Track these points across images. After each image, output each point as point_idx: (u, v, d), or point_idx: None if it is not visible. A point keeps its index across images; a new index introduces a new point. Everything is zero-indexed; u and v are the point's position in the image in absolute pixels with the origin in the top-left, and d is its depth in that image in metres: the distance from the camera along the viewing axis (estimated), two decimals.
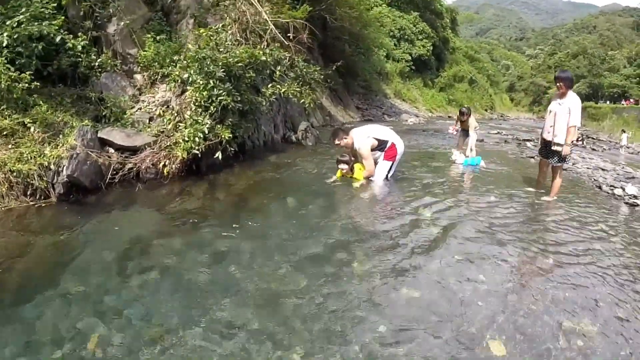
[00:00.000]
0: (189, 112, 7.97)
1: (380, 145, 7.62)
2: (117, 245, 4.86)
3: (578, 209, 6.99)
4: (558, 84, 7.11)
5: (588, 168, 11.52)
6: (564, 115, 6.98)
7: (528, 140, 18.80)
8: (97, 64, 8.54)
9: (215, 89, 7.89)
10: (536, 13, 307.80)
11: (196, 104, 8.00)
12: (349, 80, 28.27)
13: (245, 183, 7.83)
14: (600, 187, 9.07)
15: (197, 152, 7.53)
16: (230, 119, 8.18)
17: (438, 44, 55.16)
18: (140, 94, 9.06)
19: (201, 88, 7.93)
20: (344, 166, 7.70)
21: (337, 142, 7.67)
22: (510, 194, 7.53)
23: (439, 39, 55.25)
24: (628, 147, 25.70)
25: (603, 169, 11.56)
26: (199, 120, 7.72)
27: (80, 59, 8.22)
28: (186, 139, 7.49)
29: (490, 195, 7.42)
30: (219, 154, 7.82)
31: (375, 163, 7.67)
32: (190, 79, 8.06)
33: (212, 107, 7.91)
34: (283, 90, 9.21)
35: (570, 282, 4.39)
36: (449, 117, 40.87)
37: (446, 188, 7.84)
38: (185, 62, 8.43)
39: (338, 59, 16.63)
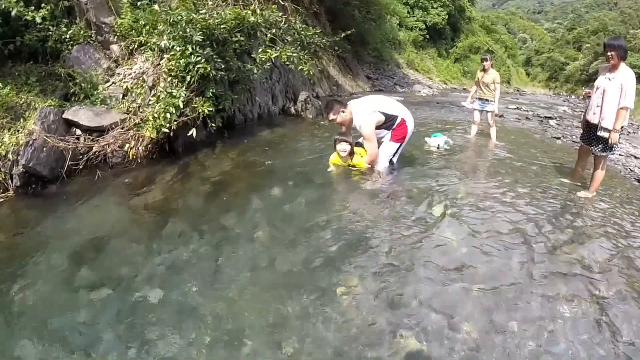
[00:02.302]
0: (162, 84, 6.83)
1: (387, 122, 5.99)
2: (71, 248, 4.29)
3: (622, 210, 5.76)
4: (609, 54, 5.62)
5: (620, 155, 10.25)
6: (615, 92, 5.58)
7: (550, 117, 17.68)
8: (68, 36, 7.61)
9: (192, 56, 6.75)
10: None
11: (171, 74, 6.88)
12: (358, 48, 27.00)
13: (226, 167, 6.65)
14: (639, 181, 7.84)
15: (167, 130, 6.46)
16: (211, 90, 7.05)
17: (454, 12, 53.09)
18: (117, 67, 8.09)
19: (177, 55, 6.83)
20: (345, 147, 5.90)
21: (331, 116, 5.98)
22: (542, 187, 6.22)
23: (454, 8, 53.14)
24: None
25: (636, 157, 10.43)
26: (174, 93, 6.59)
27: (50, 32, 7.38)
28: (156, 115, 6.41)
29: (517, 186, 6.10)
30: (193, 132, 6.72)
31: (380, 144, 6.13)
32: (164, 45, 6.94)
33: (188, 77, 6.77)
34: (274, 55, 7.90)
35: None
36: (464, 89, 39.80)
37: (463, 175, 6.52)
38: (161, 26, 7.28)
39: (347, 26, 15.39)
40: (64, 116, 6.52)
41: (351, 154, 6.01)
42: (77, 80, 7.17)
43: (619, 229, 4.97)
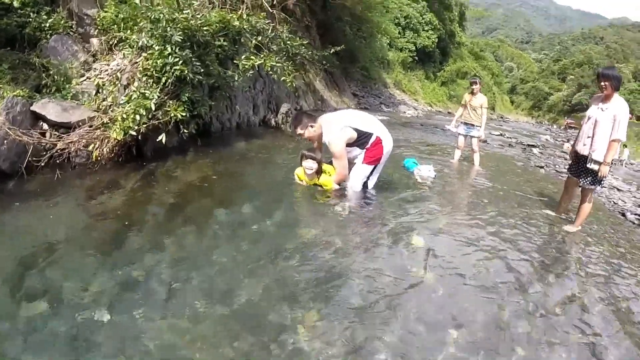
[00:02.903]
0: (136, 84, 6.51)
1: (360, 140, 5.55)
2: (20, 251, 3.88)
3: (608, 247, 5.55)
4: (603, 83, 5.41)
5: (603, 187, 10.06)
6: (607, 124, 5.38)
7: (533, 145, 17.87)
8: (47, 25, 7.24)
9: (170, 57, 6.44)
10: (545, 18, 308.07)
11: (147, 73, 6.55)
12: (347, 65, 27.10)
13: (195, 177, 6.25)
14: (624, 215, 7.74)
15: (134, 133, 6.08)
16: (187, 94, 6.73)
17: (444, 36, 53.69)
18: (94, 61, 7.74)
19: (155, 55, 6.52)
20: (311, 164, 5.54)
21: (298, 130, 5.59)
22: (525, 219, 5.97)
23: (445, 32, 53.79)
24: (631, 164, 24.51)
25: (618, 189, 10.44)
26: (146, 94, 6.26)
27: (29, 19, 7.00)
28: (125, 116, 6.06)
29: (501, 218, 5.84)
30: (163, 137, 6.37)
31: (351, 164, 5.72)
32: (141, 43, 6.63)
33: (164, 78, 6.45)
34: (258, 62, 7.62)
35: None
36: (449, 112, 40.03)
37: (444, 203, 6.22)
38: (142, 23, 6.97)
39: (337, 42, 15.40)
40: (31, 108, 6.14)
41: (318, 172, 5.64)
42: (51, 72, 6.82)
43: (606, 268, 4.81)
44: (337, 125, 5.52)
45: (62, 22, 7.53)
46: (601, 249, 5.40)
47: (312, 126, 5.53)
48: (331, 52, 11.84)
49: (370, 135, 5.57)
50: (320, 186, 5.69)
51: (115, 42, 7.77)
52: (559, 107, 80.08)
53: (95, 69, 7.51)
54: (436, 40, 50.26)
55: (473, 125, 9.43)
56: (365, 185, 5.85)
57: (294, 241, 4.32)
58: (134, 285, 3.43)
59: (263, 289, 3.43)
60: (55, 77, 6.86)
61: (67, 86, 6.90)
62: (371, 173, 5.79)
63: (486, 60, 78.75)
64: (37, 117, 6.22)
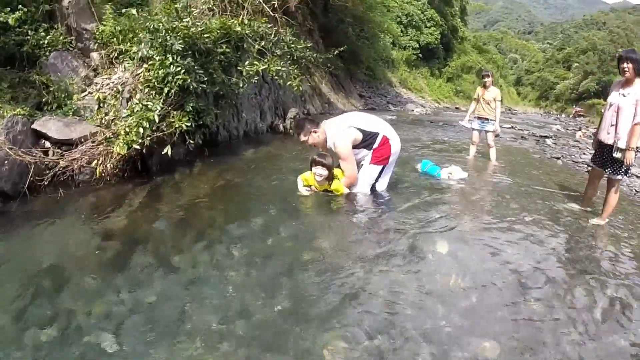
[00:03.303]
0: (138, 96, 6.31)
1: (366, 140, 5.31)
2: (25, 276, 3.70)
3: (639, 241, 5.21)
4: (624, 66, 5.07)
5: (629, 175, 9.71)
6: (630, 109, 5.07)
7: (546, 136, 17.34)
8: (46, 41, 7.13)
9: (172, 66, 6.24)
10: (545, 7, 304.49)
11: (149, 85, 6.36)
12: (351, 66, 26.85)
13: (203, 190, 6.00)
14: None
15: (138, 147, 5.87)
16: (191, 104, 6.53)
17: (446, 32, 53.25)
18: (95, 76, 7.58)
19: (157, 65, 6.33)
20: (322, 172, 5.23)
21: (302, 138, 5.42)
22: (551, 214, 5.67)
23: (447, 28, 53.34)
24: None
25: (638, 176, 9.97)
26: (149, 106, 6.06)
27: (28, 37, 6.89)
28: (128, 129, 5.86)
29: (525, 215, 5.52)
30: (168, 149, 6.15)
31: (359, 166, 5.46)
32: (141, 54, 6.46)
33: (166, 89, 6.25)
34: (262, 67, 7.40)
35: None
36: (457, 108, 39.65)
37: (465, 202, 5.93)
38: (141, 34, 6.78)
39: (340, 43, 15.06)
40: (32, 126, 6.00)
41: (329, 178, 5.34)
42: (51, 89, 6.68)
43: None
44: (341, 127, 5.32)
45: (61, 38, 7.41)
46: (633, 243, 5.09)
47: (315, 132, 5.35)
48: (335, 54, 11.65)
49: (376, 134, 5.35)
50: (331, 192, 5.42)
51: (116, 55, 7.62)
52: (566, 96, 79.12)
53: (96, 83, 7.36)
54: (439, 36, 49.88)
55: (487, 119, 9.16)
56: (374, 188, 5.60)
57: (310, 254, 4.06)
58: (143, 308, 3.22)
59: (281, 307, 3.19)
60: (56, 93, 6.71)
61: (68, 102, 6.74)
62: (380, 174, 5.52)
63: (490, 53, 78.18)
64: (39, 136, 6.07)
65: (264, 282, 3.54)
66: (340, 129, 5.27)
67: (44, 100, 6.56)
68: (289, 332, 2.95)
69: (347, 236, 4.56)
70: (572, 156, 12.16)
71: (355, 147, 5.29)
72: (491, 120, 9.13)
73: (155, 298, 3.31)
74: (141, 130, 5.81)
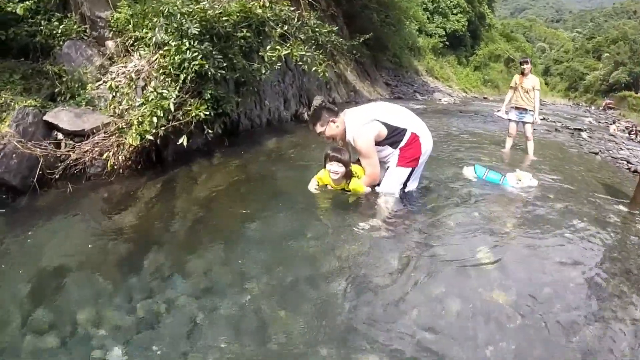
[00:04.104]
0: (153, 84, 5.93)
1: (392, 136, 4.53)
2: (30, 277, 3.51)
3: None
4: None
5: None
6: None
7: (580, 129, 16.49)
8: (59, 31, 6.88)
9: (188, 52, 5.86)
10: None
11: (165, 72, 5.99)
12: (377, 53, 26.33)
13: (222, 183, 5.56)
14: None
15: (152, 137, 5.52)
16: (210, 91, 6.14)
17: (474, 19, 52.13)
18: (111, 64, 7.29)
19: (172, 51, 5.97)
20: (337, 168, 4.45)
21: (318, 128, 4.66)
22: (599, 217, 5.00)
23: (474, 14, 52.22)
24: None
25: None
26: (164, 94, 5.68)
27: (41, 27, 6.68)
28: (141, 119, 5.51)
29: (571, 217, 4.88)
30: (183, 139, 5.77)
31: (383, 167, 4.72)
32: (155, 40, 6.12)
33: (182, 75, 5.87)
34: (284, 52, 6.97)
35: None
36: (485, 98, 38.81)
37: (505, 201, 5.27)
38: (155, 19, 6.43)
39: (365, 30, 14.76)
40: (44, 118, 5.75)
41: (347, 176, 4.57)
42: (64, 79, 6.43)
43: None
44: (363, 119, 4.55)
45: (75, 27, 7.17)
46: None
47: (333, 122, 4.58)
48: (360, 41, 11.22)
49: (404, 131, 4.55)
50: (349, 191, 4.71)
51: (132, 42, 7.33)
52: (595, 87, 76.83)
53: (111, 72, 7.08)
54: (466, 23, 48.92)
55: (526, 109, 8.62)
56: (403, 191, 4.82)
57: (335, 262, 3.57)
58: (152, 317, 2.93)
59: (303, 324, 2.78)
60: (69, 83, 6.47)
61: (81, 92, 6.49)
62: (409, 178, 4.73)
63: (518, 41, 76.55)
64: (51, 127, 5.83)
65: (283, 293, 3.13)
66: (362, 122, 4.52)
67: (57, 90, 6.32)
68: (311, 354, 2.55)
69: (377, 243, 3.96)
70: (610, 151, 11.49)
71: (378, 143, 4.54)
72: (530, 110, 8.60)
73: (165, 307, 3.00)
74: (155, 119, 5.47)
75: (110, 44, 7.45)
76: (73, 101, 6.27)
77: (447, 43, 46.09)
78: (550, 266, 3.72)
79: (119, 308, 3.01)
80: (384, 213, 4.51)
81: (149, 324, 2.85)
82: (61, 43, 6.88)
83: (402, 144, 4.55)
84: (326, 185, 4.77)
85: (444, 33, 45.54)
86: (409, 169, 4.65)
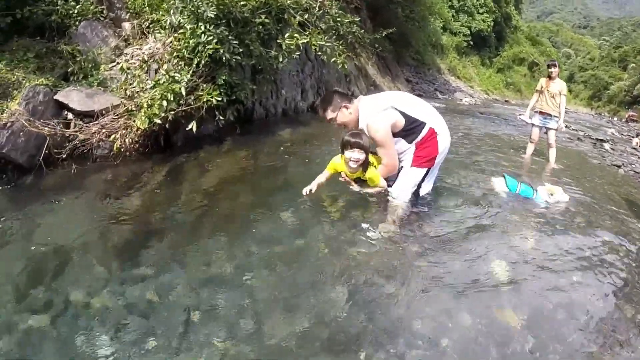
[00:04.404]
0: (165, 67, 5.77)
1: (409, 129, 4.11)
2: (30, 255, 3.46)
3: None
4: None
5: None
6: None
7: (602, 140, 16.00)
8: (76, 11, 6.83)
9: (203, 35, 5.68)
10: (603, 1, 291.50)
11: (179, 55, 5.83)
12: (399, 49, 25.85)
13: (230, 172, 5.36)
14: None
15: (160, 121, 5.34)
16: (224, 77, 5.96)
17: (499, 20, 51.50)
18: (127, 46, 7.19)
19: (187, 34, 5.82)
20: (358, 155, 3.95)
21: (329, 114, 4.24)
22: (621, 236, 4.58)
23: (501, 15, 51.59)
24: None
25: None
26: (176, 77, 5.53)
27: (57, 7, 6.62)
28: (150, 102, 5.35)
29: (594, 233, 4.55)
30: (193, 125, 5.59)
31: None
32: (170, 22, 5.97)
33: (196, 59, 5.69)
34: (303, 41, 6.76)
35: None
36: (506, 101, 38.28)
37: (526, 214, 4.76)
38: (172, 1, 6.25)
39: (389, 24, 14.42)
40: (55, 97, 5.66)
41: (365, 165, 4.10)
42: (78, 59, 6.35)
43: None
44: (379, 105, 4.14)
45: (92, 7, 7.13)
46: None
47: (346, 107, 4.17)
48: (383, 35, 11.00)
49: (422, 124, 4.12)
50: (364, 181, 4.27)
51: (148, 24, 7.24)
52: (619, 98, 75.15)
53: (126, 53, 6.98)
54: (492, 23, 48.39)
55: (550, 115, 8.27)
56: (417, 193, 4.39)
57: (342, 264, 3.32)
58: (146, 307, 2.83)
59: (302, 329, 2.60)
60: (83, 63, 6.38)
61: (94, 72, 6.38)
62: (423, 179, 4.31)
63: (544, 45, 75.62)
64: (62, 107, 5.74)
65: (285, 294, 2.93)
66: (378, 109, 4.11)
67: (70, 70, 6.24)
68: None
69: (384, 248, 3.68)
70: (633, 165, 11.09)
71: (393, 135, 4.13)
72: (555, 116, 8.26)
73: (159, 297, 2.88)
74: (165, 103, 5.29)
75: (126, 25, 7.37)
76: (85, 81, 6.18)
77: (471, 43, 45.62)
78: (567, 286, 3.44)
79: (112, 294, 2.93)
80: (394, 217, 4.15)
81: (141, 313, 2.75)
82: (77, 23, 6.82)
83: (418, 138, 4.13)
84: (340, 172, 4.29)
85: (468, 32, 45.07)
86: (424, 170, 4.25)
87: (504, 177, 5.29)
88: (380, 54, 19.29)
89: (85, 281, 3.08)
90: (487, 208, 4.66)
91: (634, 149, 16.15)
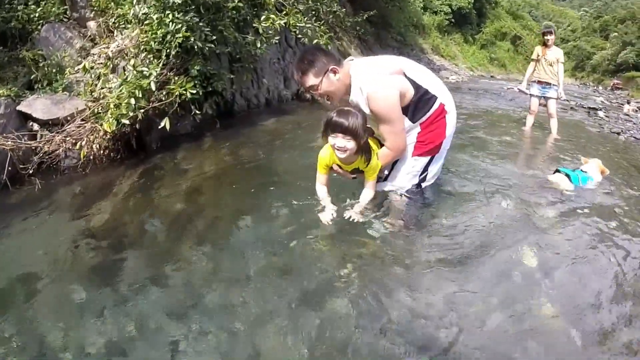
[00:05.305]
0: (132, 62, 5.26)
1: (418, 101, 3.19)
2: None
3: None
4: None
5: None
6: None
7: (595, 108, 15.64)
8: (37, 14, 6.53)
9: (171, 24, 5.19)
10: None
11: (146, 48, 5.36)
12: (381, 31, 25.48)
13: (212, 170, 4.85)
14: None
15: (128, 122, 4.83)
16: (197, 67, 5.48)
17: None
18: (93, 46, 6.78)
19: (154, 25, 5.34)
20: (344, 143, 2.92)
21: (310, 80, 3.12)
22: None
23: None
24: None
25: None
26: (144, 72, 5.04)
27: (18, 12, 6.35)
28: (118, 101, 4.86)
29: (613, 204, 4.11)
30: (166, 122, 5.06)
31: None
32: (133, 13, 5.58)
33: (165, 50, 5.21)
34: (280, 22, 6.29)
35: None
36: (492, 76, 38.03)
37: (544, 192, 4.25)
38: None
39: (369, 7, 14.07)
40: (17, 108, 5.26)
41: (363, 151, 3.09)
42: (40, 64, 5.98)
43: None
44: (384, 68, 3.16)
45: (54, 9, 6.81)
46: None
47: (334, 72, 3.09)
48: (364, 17, 10.62)
49: (433, 99, 3.23)
50: (362, 172, 3.30)
51: (114, 21, 6.79)
52: (603, 67, 75.22)
53: (93, 54, 6.55)
54: (472, 0, 47.96)
55: (549, 84, 7.91)
56: (418, 187, 3.57)
57: (346, 270, 2.77)
58: (126, 341, 2.35)
59: (306, 354, 2.13)
60: (47, 69, 6.00)
61: (59, 77, 5.98)
62: (426, 168, 3.49)
63: (525, 19, 75.46)
64: (26, 117, 5.36)
65: (283, 312, 2.43)
66: (383, 71, 3.12)
67: (32, 78, 5.86)
68: None
69: (396, 245, 3.11)
70: (631, 132, 10.77)
71: (404, 108, 3.18)
72: (554, 85, 7.90)
73: (139, 328, 2.41)
74: (132, 101, 4.80)
75: (91, 24, 6.96)
76: (50, 88, 5.78)
77: (452, 20, 45.22)
78: (603, 271, 2.99)
79: (88, 329, 2.45)
80: (399, 211, 3.45)
81: (120, 349, 2.29)
82: (39, 27, 6.51)
83: (425, 117, 3.26)
84: (333, 167, 3.31)
85: (449, 10, 44.68)
86: (427, 158, 3.44)
87: (558, 171, 4.53)
88: (362, 37, 18.90)
89: (56, 315, 2.62)
90: (501, 188, 4.17)
91: (627, 115, 15.89)
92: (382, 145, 3.32)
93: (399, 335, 2.23)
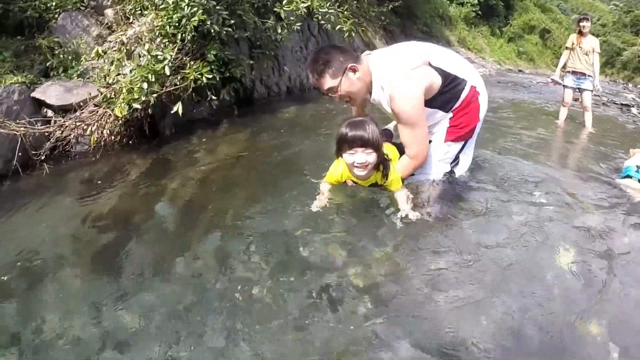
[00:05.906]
0: (147, 46, 5.10)
1: (448, 90, 2.98)
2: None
3: None
4: None
5: None
6: None
7: (627, 105, 15.08)
8: (54, 3, 6.46)
9: (187, 7, 5.04)
10: None
11: (161, 32, 5.22)
12: (406, 22, 25.09)
13: (226, 159, 4.61)
14: None
15: (139, 106, 4.70)
16: (214, 52, 5.30)
17: None
18: (110, 34, 6.72)
19: (170, 9, 5.20)
20: (364, 158, 2.67)
21: (328, 82, 2.90)
22: None
23: None
24: None
25: None
26: (159, 56, 4.90)
27: (35, 1, 6.28)
28: (131, 86, 4.73)
29: None
30: (179, 107, 4.92)
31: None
32: None
33: (180, 34, 5.07)
34: (303, 4, 6.11)
35: None
36: (520, 70, 37.32)
37: (580, 186, 3.99)
38: None
39: None
40: (32, 94, 5.24)
41: (381, 166, 2.85)
42: (56, 52, 5.97)
43: None
44: (407, 62, 2.89)
45: None
46: None
47: (354, 71, 2.87)
48: (389, 7, 10.36)
49: (463, 83, 3.01)
50: (380, 186, 3.02)
51: (131, 8, 6.75)
52: (633, 64, 73.29)
53: (109, 41, 6.48)
54: None
55: (584, 74, 7.53)
56: (450, 174, 3.36)
57: (365, 272, 2.50)
58: (123, 336, 2.21)
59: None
60: (62, 56, 5.97)
61: (74, 64, 5.95)
62: (459, 153, 3.29)
63: (554, 12, 74.19)
64: (40, 104, 5.32)
65: (294, 317, 2.19)
66: (406, 67, 2.85)
67: (48, 65, 5.86)
68: None
69: (420, 243, 2.77)
70: None
71: (427, 102, 2.90)
72: (589, 76, 7.53)
73: (138, 323, 2.27)
74: (145, 85, 4.66)
75: (109, 12, 6.92)
76: (65, 74, 5.73)
77: (479, 12, 44.53)
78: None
79: (86, 319, 2.34)
80: (425, 204, 3.15)
81: (117, 345, 2.15)
82: (57, 16, 6.47)
83: (458, 103, 3.03)
84: (345, 182, 3.08)
85: (476, 2, 44.05)
86: (460, 144, 3.23)
87: (624, 172, 4.18)
88: (387, 28, 18.63)
89: (57, 303, 2.53)
90: (539, 183, 3.87)
91: None
92: (400, 151, 3.09)
93: (421, 342, 1.99)
